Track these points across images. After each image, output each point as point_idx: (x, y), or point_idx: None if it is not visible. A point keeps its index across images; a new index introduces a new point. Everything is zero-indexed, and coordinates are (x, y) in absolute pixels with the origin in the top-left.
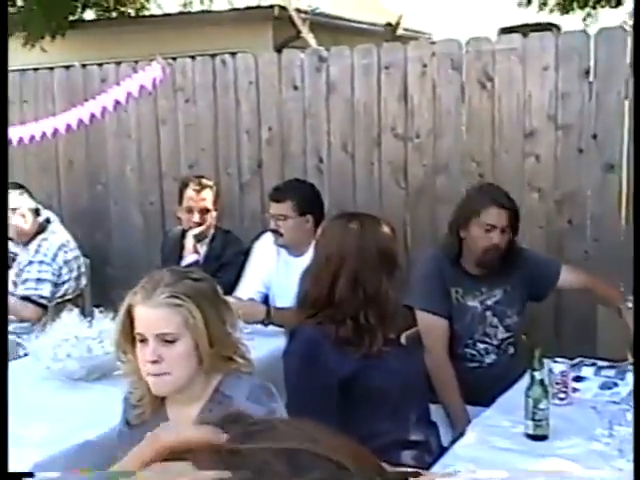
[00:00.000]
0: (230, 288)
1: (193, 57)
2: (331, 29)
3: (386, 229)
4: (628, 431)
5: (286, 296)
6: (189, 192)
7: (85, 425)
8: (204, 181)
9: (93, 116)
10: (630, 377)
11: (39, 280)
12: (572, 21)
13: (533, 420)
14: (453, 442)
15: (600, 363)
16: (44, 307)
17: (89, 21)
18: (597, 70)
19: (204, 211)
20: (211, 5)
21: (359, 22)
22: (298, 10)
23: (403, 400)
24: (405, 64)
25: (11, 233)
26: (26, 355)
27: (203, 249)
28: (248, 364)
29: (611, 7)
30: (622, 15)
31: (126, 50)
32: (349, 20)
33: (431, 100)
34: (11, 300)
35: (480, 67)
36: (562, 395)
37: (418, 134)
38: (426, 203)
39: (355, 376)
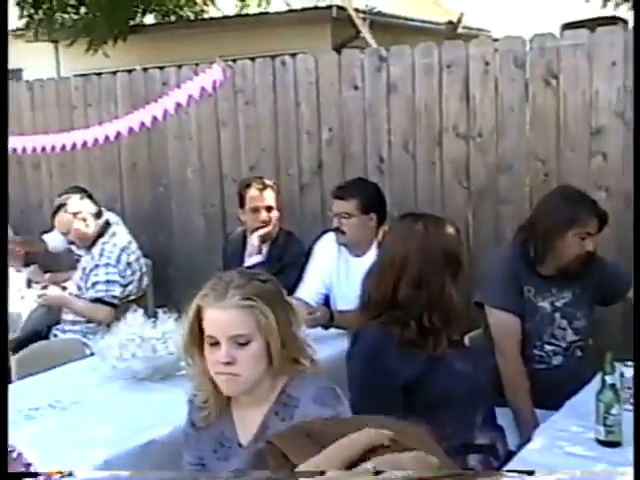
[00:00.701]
0: (291, 290)
1: (253, 59)
2: (390, 28)
3: (451, 230)
4: None
5: (347, 297)
6: (252, 192)
7: (149, 425)
8: (266, 181)
9: (155, 119)
10: None
11: (108, 282)
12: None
13: (605, 425)
14: (520, 446)
15: None
16: (116, 307)
17: (149, 25)
18: None
19: (269, 210)
20: (268, 7)
21: (419, 21)
22: (357, 10)
23: (468, 403)
24: (467, 62)
25: (73, 237)
26: (92, 355)
27: (265, 250)
28: (314, 366)
29: None
30: None
31: (186, 53)
32: (408, 19)
33: (493, 98)
34: (82, 303)
35: (544, 64)
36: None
37: (480, 133)
38: (489, 203)
39: (419, 379)
